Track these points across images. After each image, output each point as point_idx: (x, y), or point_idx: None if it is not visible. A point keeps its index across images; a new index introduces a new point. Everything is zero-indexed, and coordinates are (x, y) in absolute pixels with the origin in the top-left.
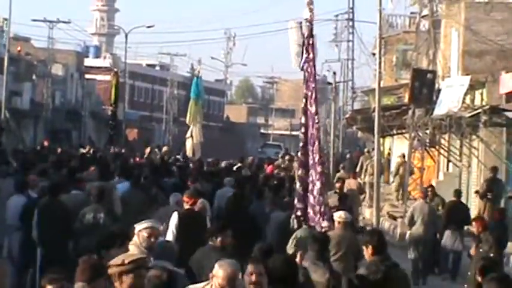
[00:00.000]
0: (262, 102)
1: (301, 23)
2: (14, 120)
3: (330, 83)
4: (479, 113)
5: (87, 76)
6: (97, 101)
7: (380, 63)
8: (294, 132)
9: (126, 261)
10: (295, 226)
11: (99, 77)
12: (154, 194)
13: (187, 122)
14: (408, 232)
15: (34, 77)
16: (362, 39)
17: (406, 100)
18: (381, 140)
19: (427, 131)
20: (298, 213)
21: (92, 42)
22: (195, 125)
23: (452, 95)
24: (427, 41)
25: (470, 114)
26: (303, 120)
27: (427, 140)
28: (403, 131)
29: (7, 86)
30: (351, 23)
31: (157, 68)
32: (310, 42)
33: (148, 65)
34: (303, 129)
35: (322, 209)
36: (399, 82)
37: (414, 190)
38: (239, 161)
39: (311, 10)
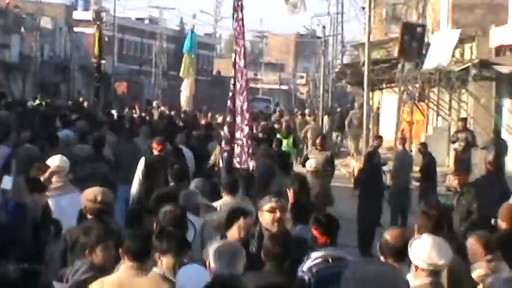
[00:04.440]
0: (252, 56)
1: None
2: (3, 73)
3: (319, 37)
4: (468, 67)
5: (75, 29)
6: (86, 54)
7: (370, 17)
8: (283, 87)
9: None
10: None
11: (87, 31)
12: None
13: (180, 75)
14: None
15: (22, 29)
16: None
17: (395, 54)
18: (370, 94)
19: (417, 85)
20: (225, 154)
21: None
22: (188, 79)
23: (441, 49)
24: None
25: (459, 68)
26: (232, 72)
27: (417, 94)
28: (393, 85)
29: None
30: None
31: (147, 21)
32: (239, 3)
33: (138, 19)
34: (232, 81)
35: (250, 151)
36: (389, 36)
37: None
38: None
39: None
